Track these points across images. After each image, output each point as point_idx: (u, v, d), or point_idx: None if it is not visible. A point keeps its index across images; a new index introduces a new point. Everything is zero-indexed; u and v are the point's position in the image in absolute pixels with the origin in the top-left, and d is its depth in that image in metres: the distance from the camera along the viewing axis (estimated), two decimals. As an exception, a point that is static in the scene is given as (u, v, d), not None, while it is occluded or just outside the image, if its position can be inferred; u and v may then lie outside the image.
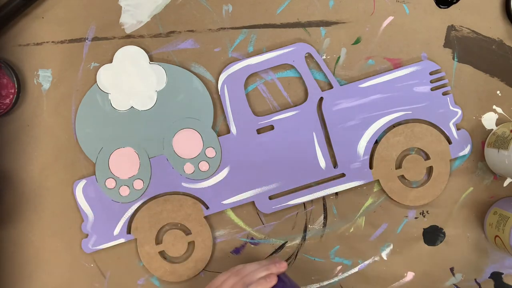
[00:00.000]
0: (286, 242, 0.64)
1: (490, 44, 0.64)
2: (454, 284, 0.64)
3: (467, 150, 0.64)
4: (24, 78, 0.63)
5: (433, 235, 0.64)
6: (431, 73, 0.63)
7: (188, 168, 0.63)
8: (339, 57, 0.64)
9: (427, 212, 0.64)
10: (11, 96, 0.62)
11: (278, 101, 0.64)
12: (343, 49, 0.64)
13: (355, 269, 0.64)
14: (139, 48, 0.62)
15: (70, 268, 0.63)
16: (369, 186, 0.64)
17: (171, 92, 0.62)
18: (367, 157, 0.63)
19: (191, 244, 0.64)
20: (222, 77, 0.63)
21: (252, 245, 0.64)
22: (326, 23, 0.64)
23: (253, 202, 0.64)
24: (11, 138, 0.63)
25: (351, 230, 0.64)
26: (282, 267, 0.55)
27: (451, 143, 0.64)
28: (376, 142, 0.64)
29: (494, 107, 0.64)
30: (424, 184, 0.64)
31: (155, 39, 0.63)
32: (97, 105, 0.62)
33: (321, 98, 0.63)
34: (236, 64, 0.63)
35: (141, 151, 0.63)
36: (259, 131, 0.63)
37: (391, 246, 0.64)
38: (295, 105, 0.63)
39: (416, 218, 0.64)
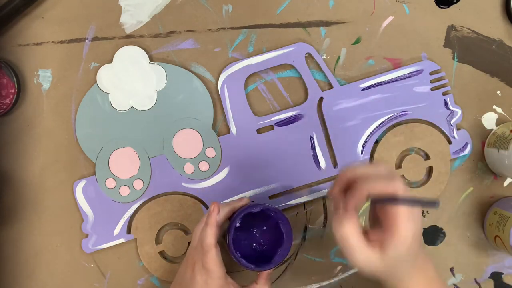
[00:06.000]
0: (286, 242, 0.64)
1: (490, 44, 0.64)
2: (454, 284, 0.64)
3: (467, 150, 0.64)
4: (24, 78, 0.63)
5: (433, 235, 0.64)
6: (431, 73, 0.63)
7: (188, 168, 0.63)
8: (339, 57, 0.64)
9: (427, 212, 0.64)
10: (11, 96, 0.62)
11: (278, 101, 0.64)
12: (343, 49, 0.64)
13: (355, 269, 0.64)
14: (139, 48, 0.62)
15: (70, 268, 0.63)
16: (369, 186, 0.64)
17: (171, 92, 0.62)
18: (367, 157, 0.63)
19: (191, 244, 0.64)
20: (222, 77, 0.63)
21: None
22: (326, 23, 0.64)
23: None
24: (11, 138, 0.63)
25: (351, 230, 0.64)
26: (242, 201, 0.56)
27: (451, 143, 0.64)
28: (376, 142, 0.64)
29: (494, 107, 0.64)
30: (424, 184, 0.64)
31: (155, 39, 0.63)
32: (97, 105, 0.62)
33: (321, 98, 0.63)
34: (236, 64, 0.63)
35: (141, 151, 0.63)
36: (259, 131, 0.63)
37: (391, 246, 0.64)
38: (295, 105, 0.63)
39: (416, 218, 0.64)
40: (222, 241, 0.55)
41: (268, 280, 0.55)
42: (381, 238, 0.43)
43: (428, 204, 0.41)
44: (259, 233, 0.57)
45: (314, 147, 0.63)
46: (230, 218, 0.55)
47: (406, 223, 0.42)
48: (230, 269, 0.62)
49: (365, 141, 0.63)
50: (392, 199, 0.42)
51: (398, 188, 0.43)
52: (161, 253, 0.63)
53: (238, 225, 0.53)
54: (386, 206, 0.43)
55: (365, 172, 0.45)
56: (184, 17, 0.63)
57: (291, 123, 0.63)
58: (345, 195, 0.46)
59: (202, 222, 0.54)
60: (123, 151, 0.63)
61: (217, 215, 0.52)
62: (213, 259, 0.51)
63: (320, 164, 0.63)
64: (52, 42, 0.63)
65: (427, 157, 0.64)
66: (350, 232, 0.43)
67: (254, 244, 0.57)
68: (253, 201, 0.59)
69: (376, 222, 0.47)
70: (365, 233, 0.45)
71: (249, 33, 0.63)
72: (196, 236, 0.54)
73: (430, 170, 0.64)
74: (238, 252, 0.53)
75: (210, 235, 0.51)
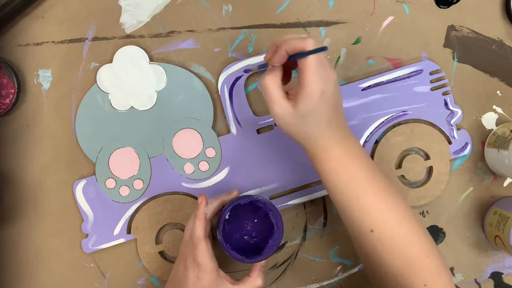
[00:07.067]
0: (286, 242, 0.64)
1: (490, 44, 0.64)
2: (454, 284, 0.64)
3: (467, 150, 0.64)
4: (24, 78, 0.63)
5: (433, 235, 0.64)
6: (431, 73, 0.63)
7: (188, 168, 0.63)
8: (339, 57, 0.64)
9: (427, 212, 0.64)
10: (11, 96, 0.62)
11: (278, 101, 0.64)
12: (343, 49, 0.64)
13: (355, 269, 0.64)
14: (139, 48, 0.62)
15: (70, 268, 0.63)
16: (369, 186, 0.64)
17: (171, 92, 0.62)
18: (367, 157, 0.63)
19: (191, 244, 0.64)
20: (222, 77, 0.63)
21: (252, 245, 0.64)
22: (326, 23, 0.64)
23: (253, 202, 0.63)
24: (11, 138, 0.63)
25: (351, 230, 0.64)
26: (232, 194, 0.57)
27: (451, 143, 0.64)
28: (376, 142, 0.64)
29: (494, 107, 0.64)
30: (424, 184, 0.64)
31: (155, 39, 0.63)
32: (97, 105, 0.62)
33: (321, 98, 0.63)
34: (236, 64, 0.63)
35: (141, 151, 0.63)
36: (259, 131, 0.63)
37: (391, 246, 0.64)
38: (295, 105, 0.63)
39: (416, 218, 0.64)
40: (215, 236, 0.55)
41: (261, 272, 0.55)
42: (295, 92, 0.49)
43: (319, 49, 0.46)
44: (249, 225, 0.57)
45: (314, 147, 0.63)
46: (221, 211, 0.55)
47: (313, 78, 0.47)
48: (225, 269, 0.62)
49: (365, 141, 0.63)
50: (301, 53, 0.47)
51: (308, 43, 0.47)
52: (161, 253, 0.63)
53: (227, 217, 0.53)
54: (299, 64, 0.48)
55: (287, 37, 0.50)
56: (184, 17, 0.63)
57: (291, 123, 0.63)
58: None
59: (192, 216, 0.54)
60: (123, 151, 0.63)
61: (205, 207, 0.52)
62: (203, 252, 0.50)
63: (320, 164, 0.63)
64: (52, 42, 0.63)
65: (427, 157, 0.64)
66: (269, 82, 0.49)
67: (245, 237, 0.57)
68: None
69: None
70: (288, 93, 0.51)
71: (249, 33, 0.63)
72: (187, 231, 0.54)
73: (430, 170, 0.64)
74: (228, 244, 0.53)
75: (199, 228, 0.51)
